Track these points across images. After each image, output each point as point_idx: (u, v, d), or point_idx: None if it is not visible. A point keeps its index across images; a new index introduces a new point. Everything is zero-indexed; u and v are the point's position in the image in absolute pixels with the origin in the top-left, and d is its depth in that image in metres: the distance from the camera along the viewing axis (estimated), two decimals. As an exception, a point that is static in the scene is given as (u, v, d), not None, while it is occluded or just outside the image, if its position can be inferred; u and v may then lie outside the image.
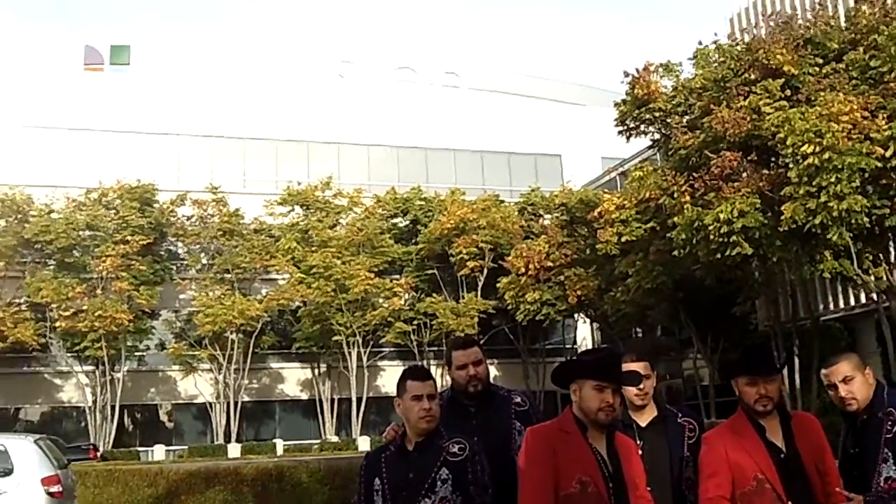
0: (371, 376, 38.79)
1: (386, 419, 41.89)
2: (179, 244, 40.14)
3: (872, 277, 20.08)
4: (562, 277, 31.31)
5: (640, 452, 4.06)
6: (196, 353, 37.33)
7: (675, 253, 21.88)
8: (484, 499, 3.94)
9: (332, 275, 35.74)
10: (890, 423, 3.82)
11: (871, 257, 20.15)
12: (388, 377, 39.67)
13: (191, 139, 42.67)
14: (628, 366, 4.13)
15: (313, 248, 37.46)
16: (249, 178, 43.54)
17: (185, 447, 36.79)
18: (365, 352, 37.89)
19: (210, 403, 38.64)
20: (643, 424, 4.24)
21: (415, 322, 37.54)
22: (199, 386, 39.23)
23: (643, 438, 4.17)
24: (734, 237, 19.46)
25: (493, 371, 40.38)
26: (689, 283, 25.47)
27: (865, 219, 18.03)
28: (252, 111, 43.53)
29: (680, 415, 4.33)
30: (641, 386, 4.15)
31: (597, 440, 3.77)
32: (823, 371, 4.04)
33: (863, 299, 24.96)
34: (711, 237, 19.75)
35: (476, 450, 4.00)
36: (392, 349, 39.70)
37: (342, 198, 40.36)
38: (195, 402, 39.95)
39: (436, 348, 37.20)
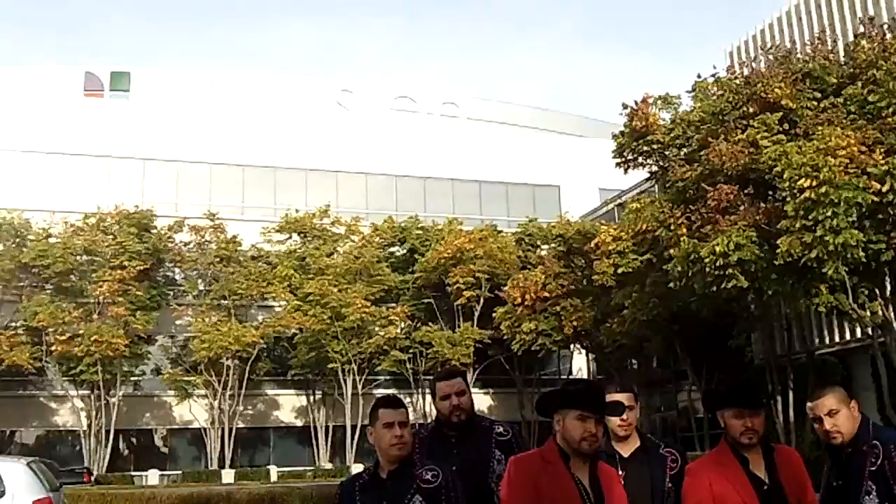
0: (366, 404, 38.52)
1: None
2: (176, 270, 40.17)
3: (868, 312, 20.11)
4: (558, 308, 31.28)
5: (622, 482, 4.08)
6: (192, 378, 37.23)
7: (671, 285, 21.91)
8: None
9: (328, 302, 35.72)
10: (874, 456, 3.84)
11: (866, 292, 20.19)
12: (384, 405, 39.38)
13: (189, 165, 42.72)
14: (612, 396, 4.16)
15: (310, 276, 37.46)
16: (248, 204, 43.61)
17: (180, 472, 36.59)
18: (360, 379, 37.80)
19: (205, 429, 38.45)
20: (626, 455, 4.25)
21: (410, 350, 37.47)
22: (193, 411, 39.06)
23: (625, 469, 4.18)
24: (730, 270, 19.48)
25: (488, 401, 40.49)
26: (684, 316, 25.48)
27: (861, 253, 18.06)
28: (251, 138, 43.67)
29: (662, 446, 4.36)
30: (625, 416, 4.18)
31: (579, 470, 3.78)
32: (809, 404, 4.06)
33: (858, 334, 24.96)
34: (707, 269, 19.77)
35: (450, 477, 4.04)
36: (387, 377, 39.61)
37: (340, 226, 40.42)
38: (190, 427, 39.75)
39: (431, 377, 37.13)
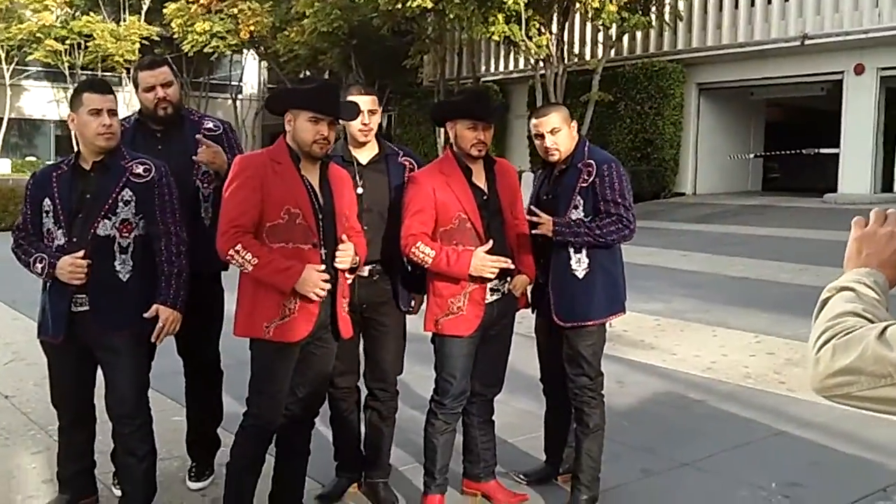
0: (14, 96, 35.61)
1: (30, 142, 39.11)
2: None
3: (535, 45, 21.24)
4: (235, 10, 29.91)
5: (360, 190, 4.10)
6: None
7: (355, -2, 21.69)
8: (171, 223, 3.86)
9: (-31, -23, 31.46)
10: (587, 174, 4.09)
11: (537, 25, 21.22)
12: (34, 98, 36.79)
13: None
14: (354, 98, 4.05)
15: (-54, -56, 32.51)
16: None
17: None
18: (8, 69, 34.43)
19: None
20: (364, 162, 4.20)
21: (68, 42, 34.36)
22: None
23: (364, 175, 4.16)
24: (416, -12, 19.59)
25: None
26: (364, 31, 25.45)
27: (539, -15, 18.84)
28: None
29: (401, 154, 4.35)
30: (366, 121, 4.10)
31: (309, 172, 3.72)
32: (534, 121, 4.18)
33: (521, 65, 26.49)
34: (395, -15, 19.75)
35: (163, 172, 3.86)
36: (40, 69, 36.42)
37: None
38: None
39: (90, 72, 34.62)
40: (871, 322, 1.41)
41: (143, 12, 34.42)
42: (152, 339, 3.77)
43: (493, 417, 4.42)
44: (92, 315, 3.72)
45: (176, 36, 31.84)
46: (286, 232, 3.63)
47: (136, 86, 4.40)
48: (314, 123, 3.63)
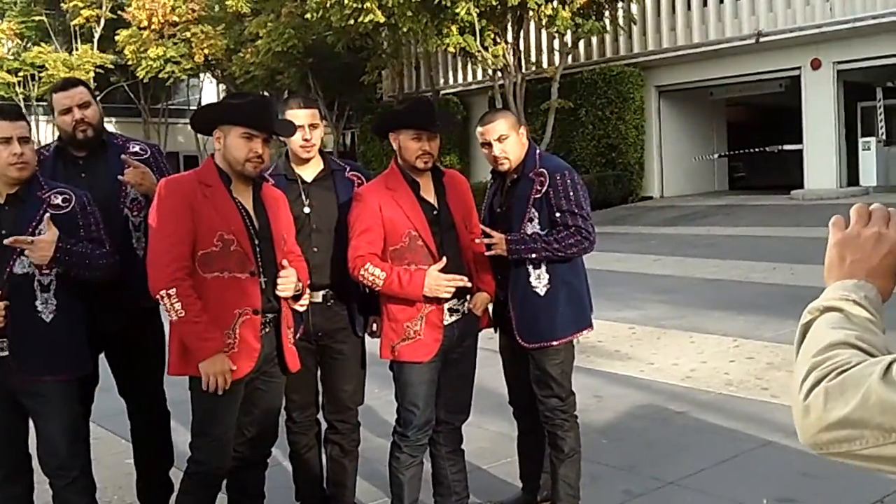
0: (-32, 131, 34.85)
1: (-14, 179, 38.42)
2: None
3: (491, 55, 21.07)
4: (188, 34, 29.55)
5: (307, 209, 3.84)
6: None
7: (308, 16, 21.43)
8: (100, 254, 3.55)
9: (-84, 11, 30.85)
10: (539, 184, 3.81)
11: (492, 35, 21.05)
12: (-11, 133, 35.98)
13: None
14: (294, 113, 3.79)
15: None
16: None
17: None
18: (-40, 103, 33.79)
19: None
20: (309, 179, 3.93)
21: (21, 73, 33.83)
22: None
23: (310, 194, 3.89)
24: (367, 4, 19.34)
25: (111, 130, 37.91)
26: (319, 49, 25.20)
27: (493, -5, 18.67)
28: None
29: (348, 168, 4.09)
30: (308, 136, 3.84)
31: (242, 194, 3.44)
32: (480, 129, 3.91)
33: (479, 76, 26.31)
34: (345, 2, 19.47)
35: (85, 201, 3.57)
36: (-7, 102, 35.81)
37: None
38: None
39: (45, 103, 34.03)
40: (870, 354, 1.11)
41: (95, 40, 33.92)
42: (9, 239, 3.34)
43: (463, 445, 4.13)
44: (14, 360, 3.41)
45: (130, 63, 31.42)
46: (220, 260, 3.35)
47: (52, 111, 4.08)
48: (247, 140, 3.36)
